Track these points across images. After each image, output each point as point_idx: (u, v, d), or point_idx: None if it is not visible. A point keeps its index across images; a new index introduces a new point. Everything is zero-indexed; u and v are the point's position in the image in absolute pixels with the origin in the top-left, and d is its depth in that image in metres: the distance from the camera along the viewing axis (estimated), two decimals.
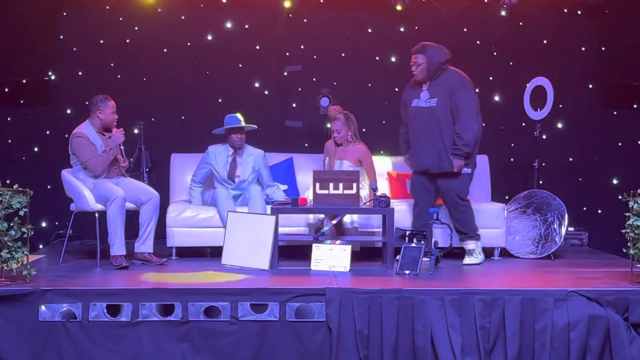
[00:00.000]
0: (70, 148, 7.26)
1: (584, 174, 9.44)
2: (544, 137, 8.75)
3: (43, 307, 5.76)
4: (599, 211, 9.40)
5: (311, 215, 7.75)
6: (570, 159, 9.42)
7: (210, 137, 8.38)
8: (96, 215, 7.14)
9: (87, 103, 7.48)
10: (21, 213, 5.98)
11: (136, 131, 8.85)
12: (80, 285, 6.01)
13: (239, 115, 7.83)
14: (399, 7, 9.23)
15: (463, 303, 5.85)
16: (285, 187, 8.25)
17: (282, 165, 8.43)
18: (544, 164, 8.91)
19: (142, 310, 5.80)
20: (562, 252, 8.15)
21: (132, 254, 7.19)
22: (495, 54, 9.40)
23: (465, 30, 9.37)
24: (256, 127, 7.99)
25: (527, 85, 8.55)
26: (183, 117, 9.34)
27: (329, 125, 8.32)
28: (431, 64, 7.28)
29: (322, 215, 7.62)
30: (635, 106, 9.37)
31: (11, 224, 5.94)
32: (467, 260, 7.36)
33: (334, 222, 7.30)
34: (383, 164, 8.45)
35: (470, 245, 7.41)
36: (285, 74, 9.32)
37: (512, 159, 9.42)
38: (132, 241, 7.24)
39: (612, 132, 9.42)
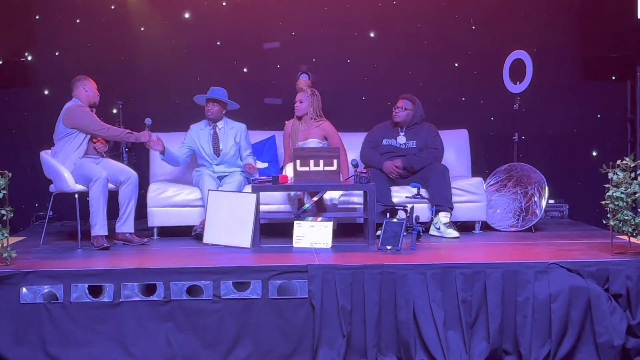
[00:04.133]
0: (68, 122, 7.15)
1: (563, 147, 9.46)
2: (523, 110, 8.74)
3: (24, 289, 5.73)
4: (579, 183, 9.42)
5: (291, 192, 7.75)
6: (550, 132, 9.44)
7: (188, 115, 8.35)
8: (76, 196, 7.10)
9: (64, 83, 7.44)
10: (0, 195, 5.93)
11: (115, 111, 8.79)
12: (61, 266, 5.98)
13: (220, 90, 7.82)
14: None
15: (445, 277, 5.87)
16: (266, 164, 8.24)
17: (264, 143, 8.41)
18: (523, 137, 8.93)
19: (124, 290, 5.78)
20: (542, 224, 8.20)
21: (113, 235, 7.16)
22: (473, 27, 9.38)
23: (443, 4, 9.34)
24: (237, 105, 7.95)
25: (506, 58, 8.55)
26: (161, 96, 9.26)
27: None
28: (414, 116, 7.90)
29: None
30: (614, 78, 9.40)
31: None
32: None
33: (315, 198, 7.29)
34: (362, 140, 8.41)
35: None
36: (264, 50, 9.28)
37: (491, 133, 9.42)
38: (112, 222, 7.21)
39: (592, 104, 9.45)
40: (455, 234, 7.42)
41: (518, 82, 8.42)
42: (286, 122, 8.26)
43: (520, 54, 8.44)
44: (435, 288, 5.84)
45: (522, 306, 5.84)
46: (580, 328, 5.84)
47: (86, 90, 7.26)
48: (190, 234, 7.54)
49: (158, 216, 7.64)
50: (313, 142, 7.96)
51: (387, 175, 7.73)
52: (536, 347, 5.81)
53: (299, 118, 8.09)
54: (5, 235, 5.99)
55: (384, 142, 7.94)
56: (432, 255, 6.48)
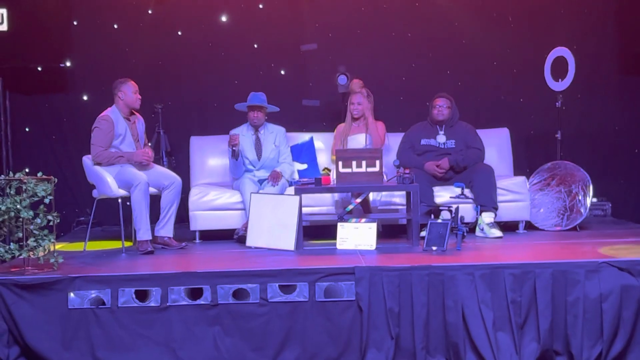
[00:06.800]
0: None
1: (605, 144, 9.36)
2: (564, 108, 8.64)
3: (72, 295, 5.72)
4: (622, 181, 9.31)
5: (336, 195, 7.71)
6: (591, 129, 9.33)
7: (227, 118, 8.35)
8: (119, 201, 7.10)
9: (103, 89, 7.47)
10: (46, 201, 5.93)
11: (153, 115, 8.80)
12: (107, 271, 5.96)
13: (261, 95, 7.77)
14: None
15: (493, 277, 5.78)
16: (305, 166, 8.21)
17: (302, 145, 8.37)
18: (565, 135, 8.83)
19: (171, 294, 5.76)
20: (586, 223, 8.09)
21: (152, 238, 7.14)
22: (512, 25, 9.31)
23: (481, 2, 9.27)
24: (277, 108, 7.91)
25: (547, 55, 8.47)
26: (200, 100, 9.29)
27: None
28: (455, 113, 7.96)
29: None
30: None
31: (37, 212, 5.90)
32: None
33: (359, 200, 7.24)
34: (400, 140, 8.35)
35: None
36: (301, 52, 9.26)
37: (532, 131, 9.34)
38: (153, 225, 7.20)
39: (633, 100, 9.33)
40: (498, 233, 7.35)
41: (560, 80, 8.33)
42: (339, 125, 8.19)
43: (563, 51, 8.35)
44: (484, 289, 5.77)
45: (572, 306, 5.74)
46: (632, 327, 5.73)
47: (122, 98, 7.22)
48: (232, 237, 7.52)
49: (200, 220, 7.63)
50: (363, 137, 7.92)
51: (430, 176, 7.68)
52: (587, 347, 5.71)
53: (355, 119, 8.02)
54: (52, 240, 5.99)
55: (423, 142, 7.89)
56: (479, 255, 6.40)
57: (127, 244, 7.12)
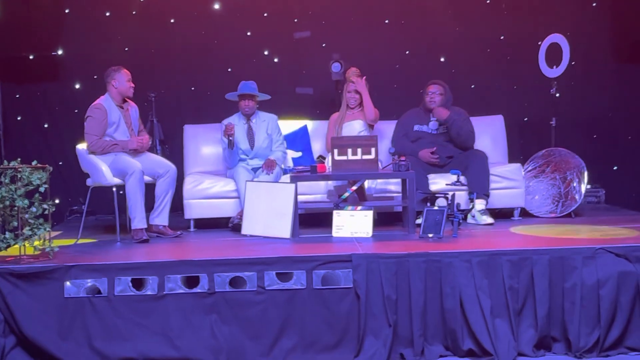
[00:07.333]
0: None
1: (598, 131, 9.36)
2: (557, 95, 8.63)
3: (68, 283, 5.69)
4: (615, 167, 9.32)
5: (330, 182, 7.69)
6: (584, 116, 9.33)
7: (221, 107, 8.31)
8: (114, 189, 7.06)
9: (95, 77, 7.39)
10: (41, 189, 5.88)
11: (147, 104, 8.75)
12: (103, 260, 5.92)
13: (252, 83, 7.72)
14: None
15: (491, 264, 5.77)
16: (299, 154, 8.18)
17: (297, 133, 8.35)
18: (558, 122, 8.83)
19: (167, 283, 5.73)
20: (581, 210, 8.08)
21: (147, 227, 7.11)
22: (506, 12, 9.30)
23: None
24: (268, 96, 7.87)
25: (541, 42, 8.46)
26: (193, 88, 9.27)
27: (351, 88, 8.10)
28: (447, 99, 7.87)
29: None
30: None
31: (32, 201, 5.85)
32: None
33: (354, 187, 7.22)
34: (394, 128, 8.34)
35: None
36: (295, 40, 9.23)
37: (525, 119, 9.33)
38: (147, 214, 7.16)
39: (627, 87, 9.33)
40: (489, 220, 7.35)
41: (555, 67, 8.32)
42: (333, 115, 8.15)
43: (557, 37, 8.34)
44: (481, 276, 5.75)
45: (569, 292, 5.73)
46: (630, 313, 5.73)
47: (116, 86, 7.18)
48: (226, 225, 7.50)
49: (194, 208, 7.60)
50: (358, 123, 7.89)
51: (425, 163, 7.67)
52: (585, 333, 5.71)
53: (351, 108, 7.99)
54: (48, 229, 5.94)
55: (415, 127, 7.89)
56: (476, 242, 6.39)
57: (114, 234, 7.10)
